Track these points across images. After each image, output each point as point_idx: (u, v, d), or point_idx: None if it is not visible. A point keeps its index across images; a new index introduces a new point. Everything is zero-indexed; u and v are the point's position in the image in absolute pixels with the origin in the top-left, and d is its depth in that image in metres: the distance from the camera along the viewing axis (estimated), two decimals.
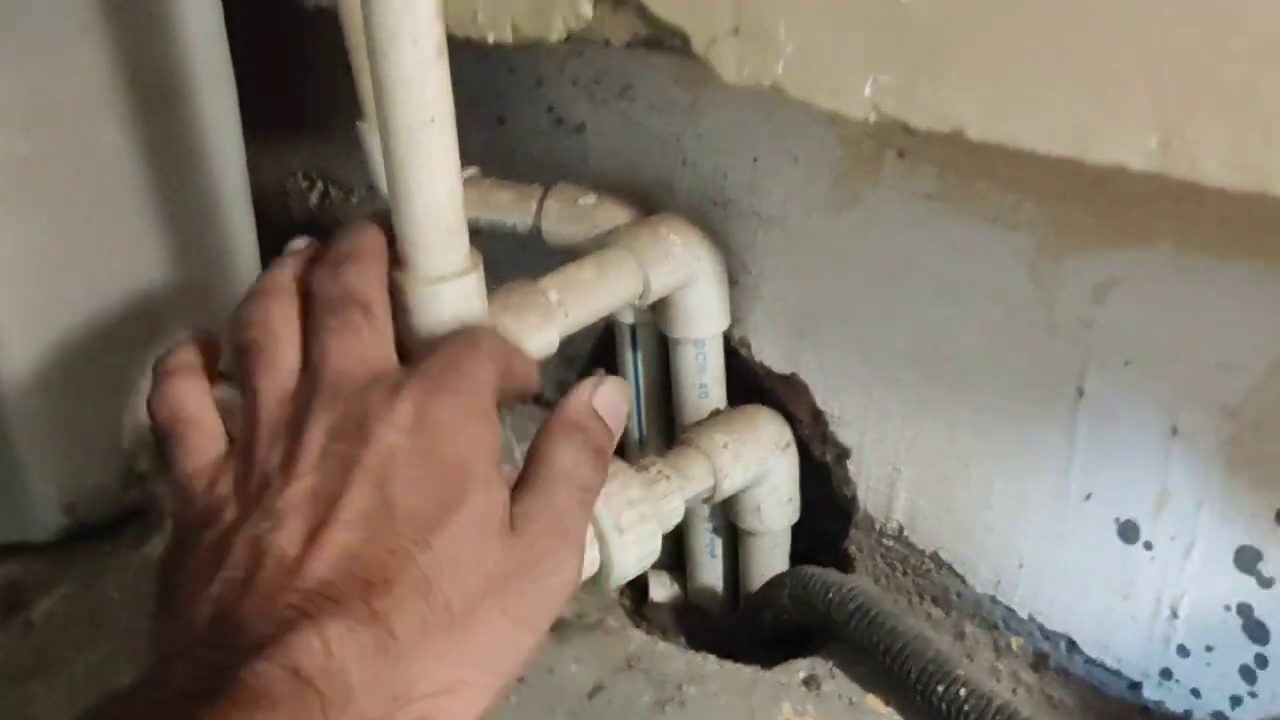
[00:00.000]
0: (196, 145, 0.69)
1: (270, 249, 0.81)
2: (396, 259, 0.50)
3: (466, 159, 0.78)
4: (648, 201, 0.67)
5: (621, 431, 0.45)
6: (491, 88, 0.77)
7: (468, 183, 0.71)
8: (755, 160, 0.61)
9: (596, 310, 0.59)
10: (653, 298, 0.62)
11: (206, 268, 0.72)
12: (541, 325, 0.56)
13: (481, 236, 0.57)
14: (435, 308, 0.51)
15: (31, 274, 0.65)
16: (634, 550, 0.58)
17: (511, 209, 0.69)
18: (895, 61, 0.44)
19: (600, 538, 0.57)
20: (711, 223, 0.65)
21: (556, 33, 0.58)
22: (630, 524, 0.58)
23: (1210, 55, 0.36)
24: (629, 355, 0.70)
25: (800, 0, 0.46)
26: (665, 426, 0.72)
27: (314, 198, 1.01)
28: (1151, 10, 0.37)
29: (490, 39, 0.62)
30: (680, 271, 0.62)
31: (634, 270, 0.60)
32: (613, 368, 0.72)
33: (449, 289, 0.51)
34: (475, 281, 0.52)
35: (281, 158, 1.02)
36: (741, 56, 0.50)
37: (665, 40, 0.53)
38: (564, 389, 0.81)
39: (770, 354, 0.65)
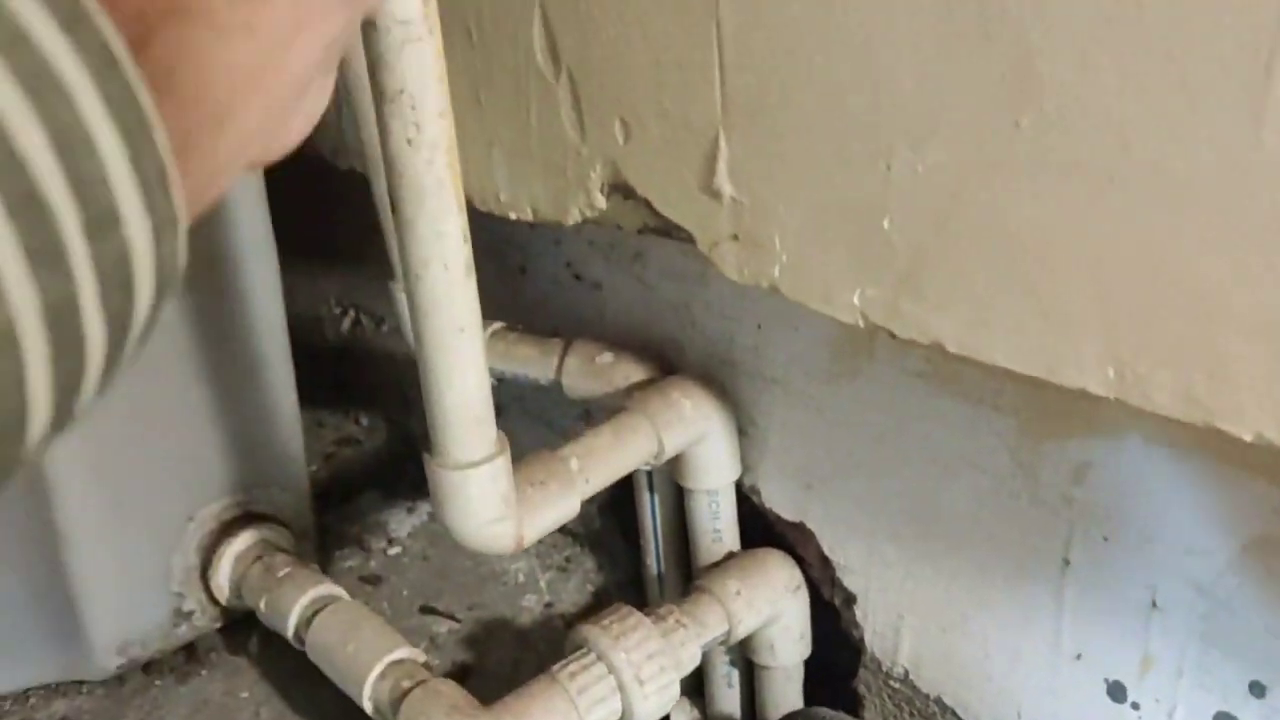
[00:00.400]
0: (239, 309, 0.74)
1: (304, 371, 0.86)
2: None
3: (492, 304, 0.83)
4: (661, 357, 0.72)
5: None
6: (515, 240, 0.82)
7: (493, 336, 0.76)
8: (759, 327, 0.66)
9: (615, 473, 0.64)
10: (667, 457, 0.66)
11: (249, 420, 0.76)
12: (564, 493, 0.61)
13: None
14: (466, 493, 0.56)
15: (85, 430, 0.70)
16: (654, 700, 0.62)
17: (534, 364, 0.73)
18: (879, 278, 0.49)
19: (622, 689, 0.61)
20: (720, 379, 0.69)
21: (573, 218, 0.63)
22: (650, 675, 0.62)
23: (1158, 304, 0.40)
24: (647, 499, 0.74)
25: (792, 217, 0.51)
26: (683, 565, 0.75)
27: (346, 324, 1.07)
28: (1105, 260, 0.41)
29: (512, 216, 0.67)
30: (692, 431, 0.66)
31: (649, 433, 0.64)
32: (632, 510, 0.76)
33: (477, 474, 0.55)
34: (502, 464, 0.56)
35: (317, 285, 1.07)
36: (741, 259, 0.54)
37: (673, 233, 0.58)
38: (587, 521, 0.85)
39: (780, 502, 0.69)
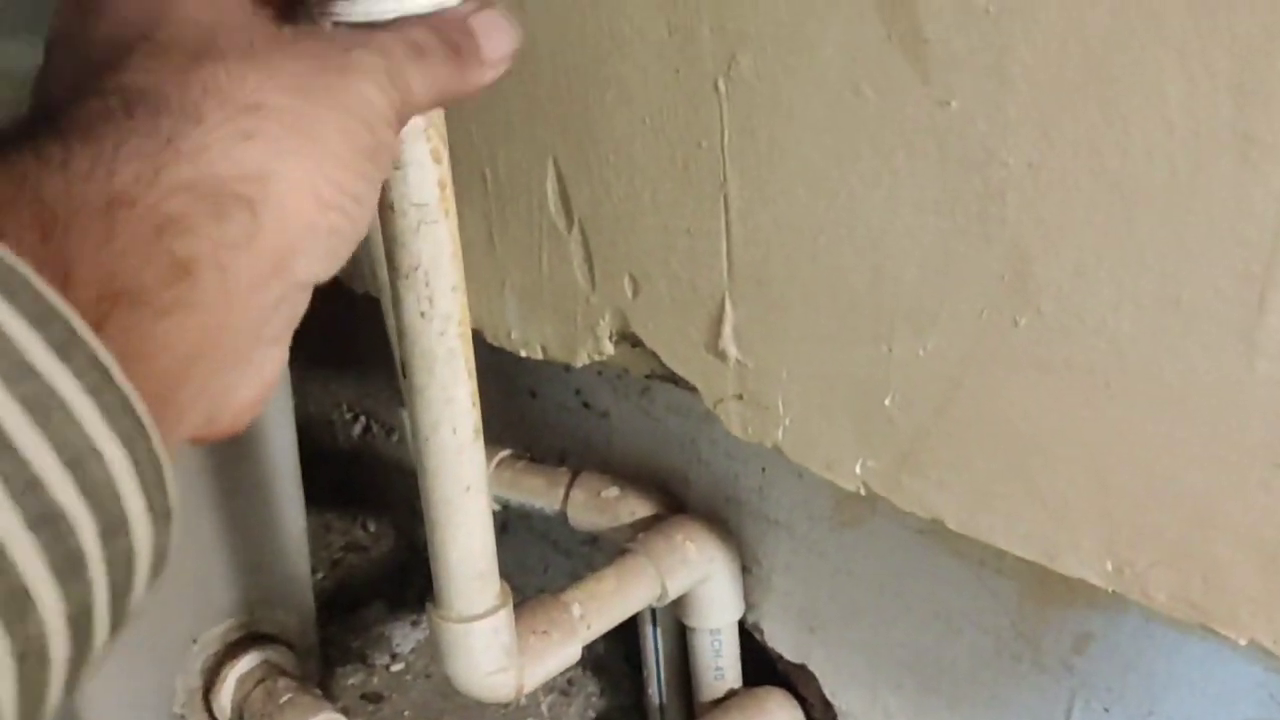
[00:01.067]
0: (249, 434, 0.75)
1: (314, 473, 0.87)
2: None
3: (501, 426, 0.84)
4: (667, 490, 0.72)
5: (504, 62, 0.33)
6: (525, 364, 0.83)
7: (500, 464, 0.77)
8: (764, 470, 0.66)
9: (617, 618, 0.64)
10: (670, 599, 0.66)
11: (256, 542, 0.77)
12: (566, 641, 0.61)
13: None
14: (468, 645, 0.56)
15: None
16: None
17: (540, 494, 0.74)
18: (881, 452, 0.49)
19: None
20: (724, 517, 0.69)
21: (581, 360, 0.64)
22: None
23: (1155, 506, 0.41)
24: (649, 632, 0.74)
25: (795, 384, 0.52)
26: (684, 696, 0.75)
27: (357, 430, 1.08)
28: (1102, 458, 0.42)
29: (522, 353, 0.69)
30: (695, 574, 0.67)
31: (653, 577, 0.65)
32: (635, 636, 0.76)
33: (480, 626, 0.56)
34: (505, 616, 0.57)
35: (329, 390, 1.09)
36: (745, 418, 0.55)
37: (679, 383, 0.59)
38: (590, 645, 0.85)
39: (783, 642, 0.69)
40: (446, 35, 0.32)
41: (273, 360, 0.29)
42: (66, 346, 0.20)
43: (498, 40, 0.33)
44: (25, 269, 0.20)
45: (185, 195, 0.25)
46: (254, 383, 0.28)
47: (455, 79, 0.32)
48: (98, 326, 0.23)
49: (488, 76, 0.33)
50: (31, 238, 0.23)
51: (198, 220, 0.25)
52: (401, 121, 0.31)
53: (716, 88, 0.49)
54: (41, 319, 0.20)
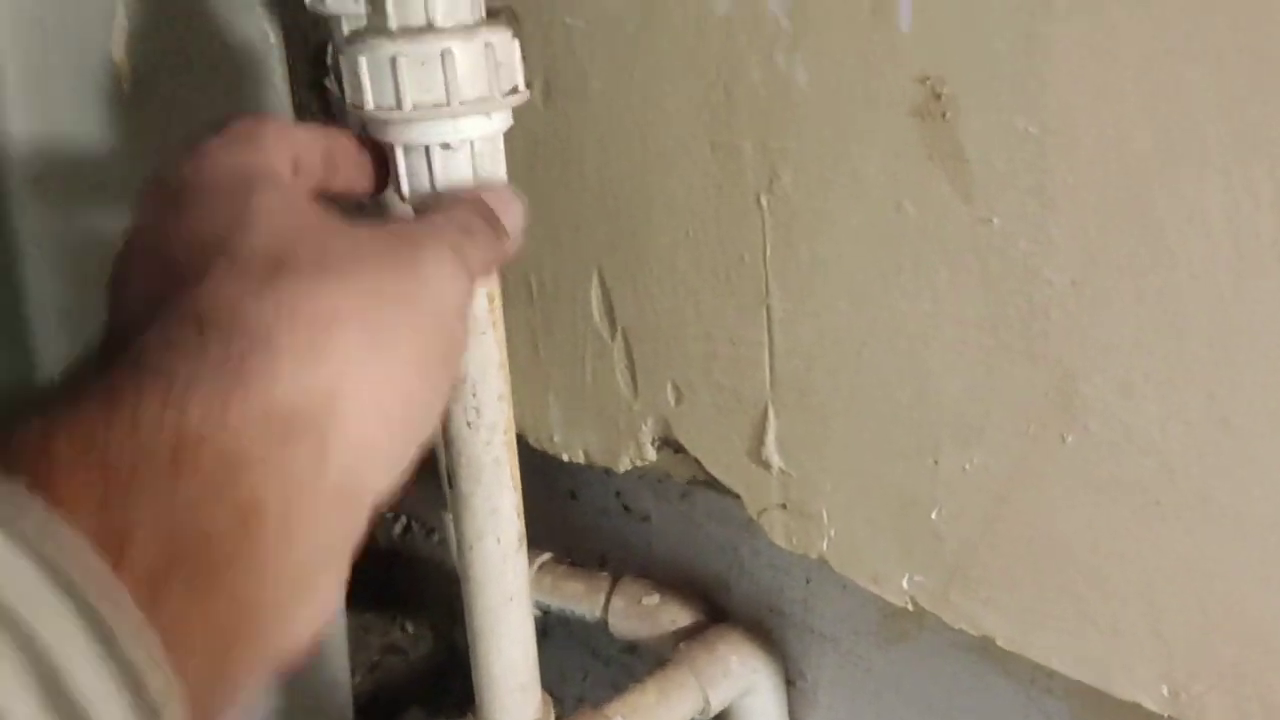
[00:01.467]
0: None
1: (354, 576, 0.86)
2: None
3: (541, 528, 0.83)
4: (708, 598, 0.72)
5: (520, 233, 0.38)
6: (567, 466, 0.83)
7: (541, 568, 0.77)
8: (808, 581, 0.66)
9: None
10: (713, 712, 0.65)
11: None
12: None
13: None
14: None
15: None
16: None
17: (580, 600, 0.73)
18: (928, 567, 0.49)
19: None
20: (768, 628, 0.68)
21: (624, 465, 0.64)
22: None
23: (1210, 629, 0.40)
24: None
25: (840, 495, 0.51)
26: None
27: (397, 529, 1.08)
28: (1154, 578, 0.41)
29: (565, 458, 0.69)
30: (738, 686, 0.65)
31: (694, 689, 0.64)
32: None
33: None
34: None
35: None
36: (790, 528, 0.55)
37: (722, 489, 0.59)
38: None
39: None
40: (482, 212, 0.36)
41: (332, 587, 0.29)
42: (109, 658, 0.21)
43: (513, 214, 0.37)
44: (74, 567, 0.21)
45: (253, 431, 0.25)
46: (314, 606, 0.28)
47: (495, 250, 0.36)
48: (154, 592, 0.23)
49: (514, 247, 0.37)
50: (90, 503, 0.23)
51: (265, 453, 0.25)
52: (469, 305, 0.32)
53: (759, 203, 0.50)
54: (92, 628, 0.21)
